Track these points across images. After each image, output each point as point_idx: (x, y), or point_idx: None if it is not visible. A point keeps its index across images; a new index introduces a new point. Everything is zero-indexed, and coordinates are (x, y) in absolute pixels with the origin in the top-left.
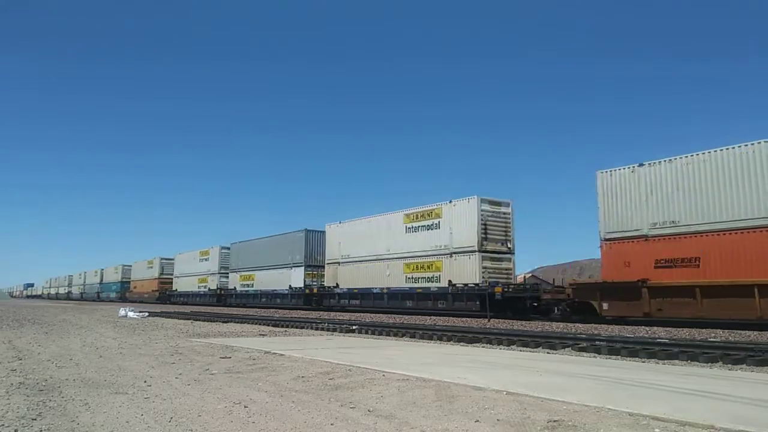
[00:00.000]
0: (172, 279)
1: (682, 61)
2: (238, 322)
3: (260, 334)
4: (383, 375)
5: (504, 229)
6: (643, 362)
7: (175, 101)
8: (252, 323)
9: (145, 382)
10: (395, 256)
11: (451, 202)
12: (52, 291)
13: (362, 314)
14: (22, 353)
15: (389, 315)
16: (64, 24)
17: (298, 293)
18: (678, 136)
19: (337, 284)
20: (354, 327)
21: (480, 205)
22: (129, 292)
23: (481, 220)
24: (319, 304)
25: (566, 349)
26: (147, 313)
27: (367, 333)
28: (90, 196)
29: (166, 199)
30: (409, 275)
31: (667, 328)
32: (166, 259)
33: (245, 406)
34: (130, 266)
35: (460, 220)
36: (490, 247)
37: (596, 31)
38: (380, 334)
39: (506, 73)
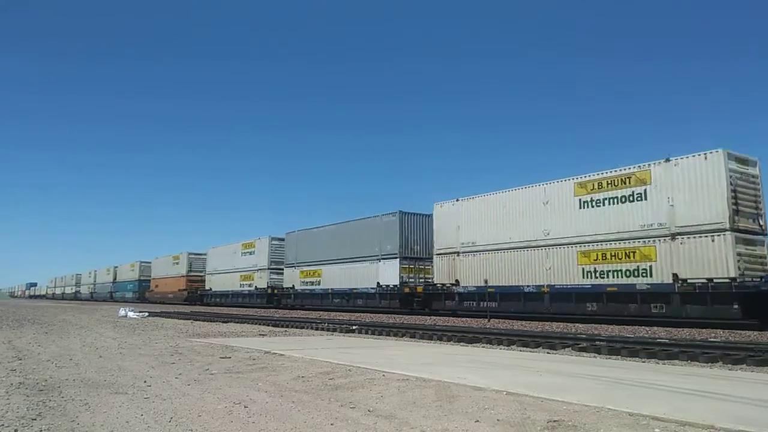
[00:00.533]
0: (202, 276)
1: (682, 61)
2: (238, 322)
3: (260, 334)
4: (383, 375)
5: (754, 199)
6: (643, 362)
7: (175, 101)
8: (252, 323)
9: (144, 382)
10: (562, 241)
11: (668, 160)
12: (58, 291)
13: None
14: (22, 353)
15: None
16: (64, 24)
17: (392, 292)
18: (677, 136)
19: (456, 281)
20: (354, 327)
21: (727, 163)
22: (149, 291)
23: (730, 184)
24: (426, 307)
25: (566, 349)
26: (147, 313)
27: (367, 333)
28: (92, 195)
29: (166, 198)
30: (590, 267)
31: (667, 328)
32: (194, 253)
33: (245, 406)
34: (150, 263)
35: (690, 184)
36: (742, 225)
37: (596, 32)
38: (380, 334)
39: (506, 73)
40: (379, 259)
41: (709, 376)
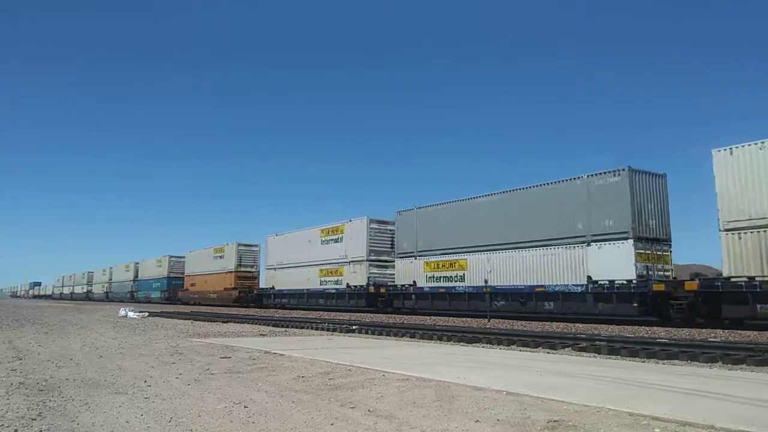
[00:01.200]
0: (254, 272)
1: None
2: (238, 322)
3: (260, 334)
4: (383, 375)
5: None
6: (643, 362)
7: (173, 106)
8: (252, 323)
9: (145, 382)
10: None
11: None
12: (65, 290)
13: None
14: (22, 353)
15: (389, 315)
16: (64, 31)
17: (623, 291)
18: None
19: None
20: (354, 327)
21: None
22: (182, 291)
23: None
24: (703, 314)
25: (566, 349)
26: (147, 313)
27: (367, 333)
28: (93, 198)
29: (167, 202)
30: None
31: (667, 328)
32: (245, 245)
33: (245, 406)
34: (183, 258)
35: None
36: None
37: (593, 37)
38: (380, 334)
39: (506, 78)
40: (587, 242)
41: (709, 376)
